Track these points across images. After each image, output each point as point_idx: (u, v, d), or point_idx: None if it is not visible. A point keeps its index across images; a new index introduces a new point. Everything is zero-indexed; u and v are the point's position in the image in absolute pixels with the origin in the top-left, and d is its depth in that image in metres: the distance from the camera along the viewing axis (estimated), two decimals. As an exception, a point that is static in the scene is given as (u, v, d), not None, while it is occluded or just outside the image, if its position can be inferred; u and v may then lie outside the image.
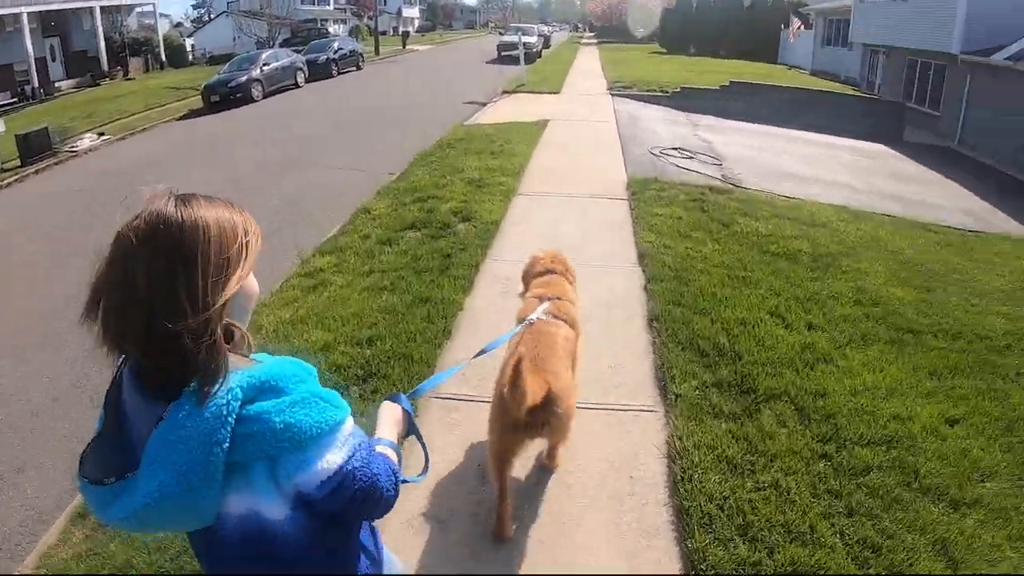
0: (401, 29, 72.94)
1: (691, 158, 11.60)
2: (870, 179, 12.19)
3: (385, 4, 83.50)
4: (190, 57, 50.29)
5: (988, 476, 3.80)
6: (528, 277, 3.84)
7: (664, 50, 40.93)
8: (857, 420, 4.22)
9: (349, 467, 1.36)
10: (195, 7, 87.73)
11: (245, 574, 1.40)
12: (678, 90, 19.02)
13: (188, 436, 1.22)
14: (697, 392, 4.39)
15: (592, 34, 73.68)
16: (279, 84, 25.67)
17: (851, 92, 19.77)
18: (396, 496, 1.50)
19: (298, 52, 31.91)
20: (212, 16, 63.53)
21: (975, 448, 4.03)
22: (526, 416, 2.84)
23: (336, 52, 31.44)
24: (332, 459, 1.34)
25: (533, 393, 2.80)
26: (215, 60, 44.81)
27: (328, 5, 70.91)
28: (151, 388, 1.30)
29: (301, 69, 27.72)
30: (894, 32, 23.95)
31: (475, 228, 7.35)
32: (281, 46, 45.40)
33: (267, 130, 16.98)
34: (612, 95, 19.01)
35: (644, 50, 41.52)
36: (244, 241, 1.34)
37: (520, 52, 23.06)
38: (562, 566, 3.18)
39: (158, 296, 1.22)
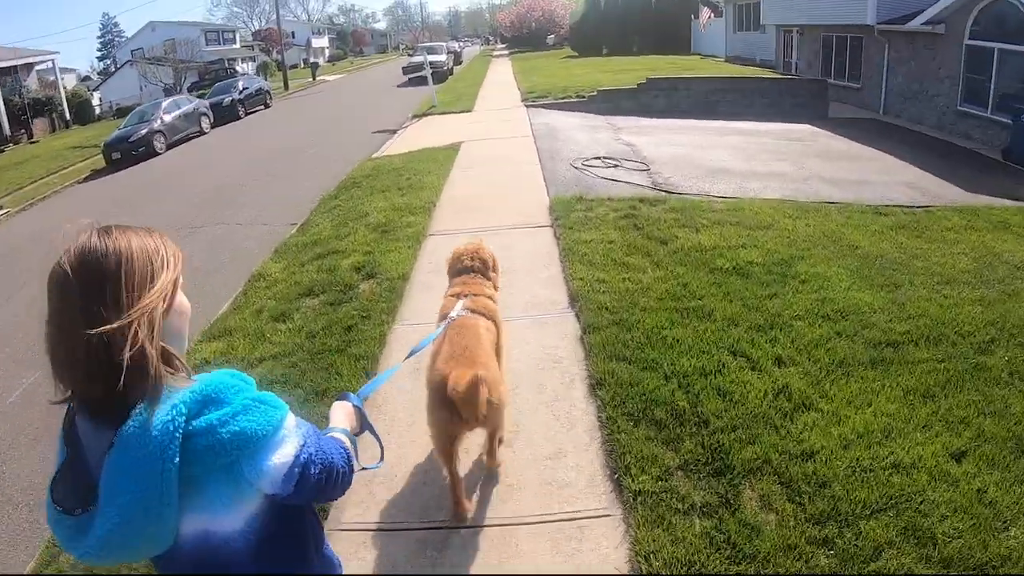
0: (311, 60, 71.80)
1: (616, 166, 10.82)
2: (804, 163, 11.59)
3: (293, 37, 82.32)
4: (97, 111, 48.64)
5: (1011, 520, 3.24)
6: (450, 273, 3.93)
7: (576, 54, 40.41)
8: (856, 483, 3.47)
9: (304, 455, 1.43)
10: (100, 59, 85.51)
11: None
12: (595, 93, 18.31)
13: (139, 457, 1.26)
14: (660, 483, 3.50)
15: (503, 45, 73.24)
16: (184, 133, 24.41)
17: (771, 75, 19.45)
18: (352, 474, 1.63)
19: (203, 96, 30.71)
20: (117, 67, 61.55)
21: (990, 486, 3.45)
22: (464, 407, 2.94)
23: (241, 92, 30.21)
24: (285, 452, 1.40)
25: (468, 385, 2.91)
26: (122, 112, 42.95)
27: (234, 44, 69.42)
28: (98, 415, 1.33)
29: (206, 114, 26.48)
30: (806, 11, 23.89)
31: (380, 287, 6.35)
32: (189, 90, 44.04)
33: (169, 187, 15.67)
34: (527, 107, 18.22)
35: (556, 56, 41.02)
36: (164, 259, 1.41)
37: (427, 72, 21.80)
38: None
39: (93, 323, 1.26)
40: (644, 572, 3.07)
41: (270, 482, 1.38)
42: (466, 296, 3.57)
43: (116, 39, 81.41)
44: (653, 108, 17.76)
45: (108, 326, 1.26)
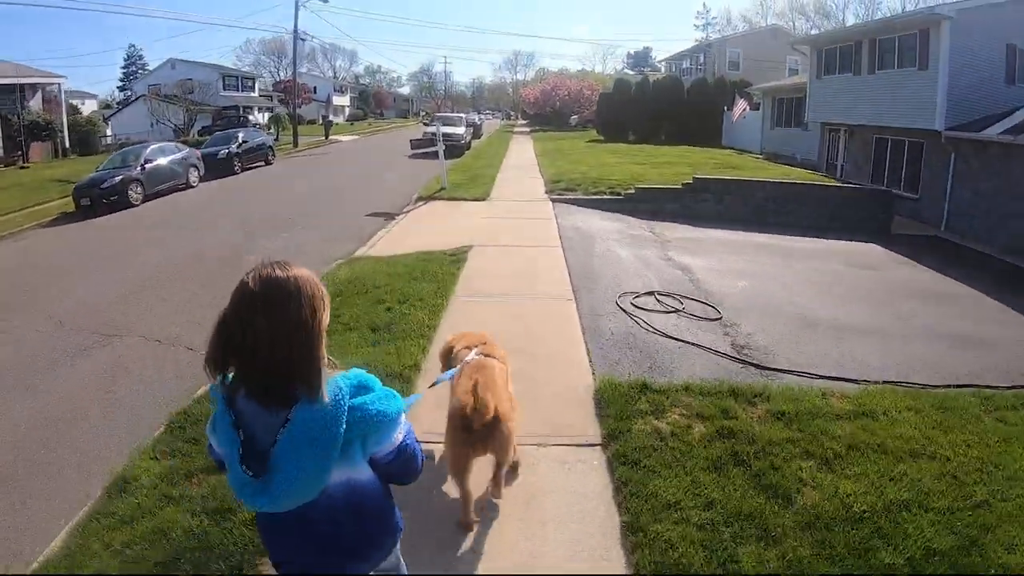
0: (325, 118, 70.29)
1: (678, 310, 7.98)
2: (897, 306, 9.06)
3: (315, 92, 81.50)
4: (106, 142, 46.71)
5: None
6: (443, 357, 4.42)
7: (602, 138, 38.27)
8: None
9: (407, 441, 2.06)
10: (120, 89, 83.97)
11: (351, 524, 2.05)
12: (632, 191, 15.65)
13: (320, 426, 1.82)
14: None
15: (525, 122, 71.95)
16: (167, 184, 21.90)
17: (829, 182, 16.85)
18: (421, 471, 2.20)
19: (199, 145, 28.46)
20: (133, 99, 60.04)
21: None
22: (479, 431, 3.45)
23: (240, 145, 27.77)
24: (397, 437, 2.01)
25: (486, 411, 3.41)
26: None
27: (253, 92, 68.17)
28: (271, 401, 1.85)
29: (195, 166, 23.98)
30: (859, 111, 21.96)
31: None
32: (200, 134, 41.96)
33: (115, 257, 12.89)
34: (553, 200, 15.51)
35: (581, 138, 38.85)
36: (323, 291, 1.95)
37: (440, 147, 18.76)
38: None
39: (280, 331, 1.81)
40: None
41: (383, 450, 2.00)
42: (477, 347, 4.03)
43: (139, 71, 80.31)
44: (700, 214, 15.14)
45: (314, 333, 1.86)
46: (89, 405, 6.43)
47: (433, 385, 3.61)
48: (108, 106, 68.69)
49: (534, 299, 8.26)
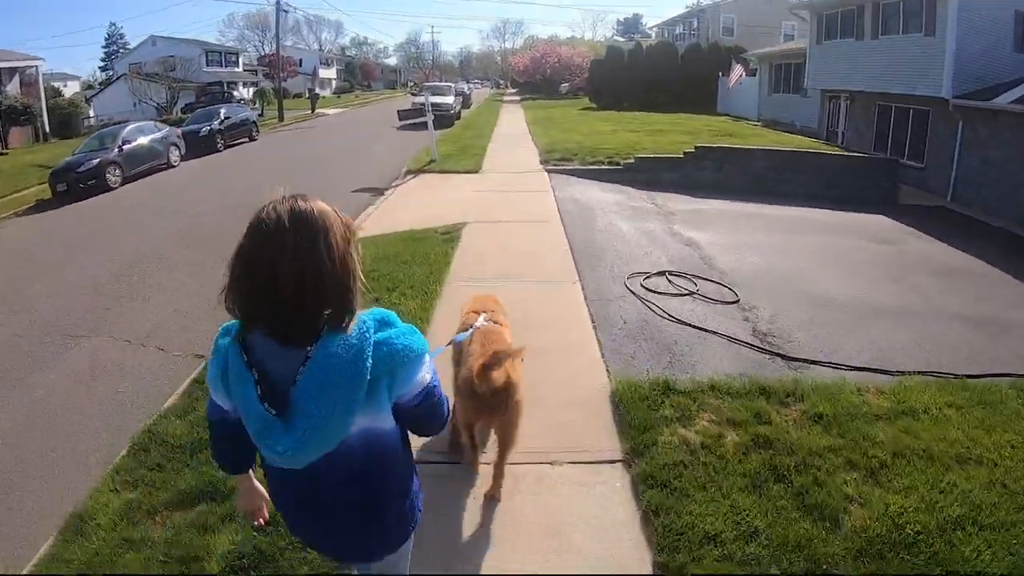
0: (312, 91, 68.92)
1: (692, 293, 7.36)
2: (918, 284, 8.53)
3: (300, 64, 79.99)
4: (89, 124, 45.74)
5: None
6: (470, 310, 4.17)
7: (595, 105, 37.37)
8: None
9: (432, 384, 1.91)
10: (102, 69, 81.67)
11: (371, 476, 1.91)
12: (631, 160, 14.98)
13: (344, 359, 1.69)
14: None
15: (515, 90, 70.69)
16: (147, 165, 21.11)
17: (832, 150, 16.18)
18: (448, 420, 2.14)
19: (182, 123, 27.62)
20: (114, 78, 58.65)
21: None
22: (488, 401, 3.41)
23: (223, 122, 26.88)
24: (425, 377, 1.87)
25: (498, 379, 3.35)
26: None
27: (237, 67, 66.76)
28: (290, 339, 1.71)
29: (176, 145, 23.14)
30: (860, 76, 21.31)
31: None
32: (183, 111, 40.94)
33: (89, 241, 12.26)
34: (548, 172, 14.78)
35: (573, 106, 37.96)
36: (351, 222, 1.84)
37: (428, 118, 17.48)
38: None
39: (317, 265, 1.66)
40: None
41: (410, 392, 1.85)
42: (485, 312, 3.96)
43: (121, 50, 78.26)
44: (700, 183, 14.54)
45: (348, 265, 1.72)
46: (55, 414, 5.81)
47: (451, 343, 3.62)
48: (91, 87, 67.04)
49: (536, 282, 7.58)
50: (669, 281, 7.69)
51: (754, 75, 33.60)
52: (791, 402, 4.80)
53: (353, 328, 1.72)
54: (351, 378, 1.68)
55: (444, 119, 29.07)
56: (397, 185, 14.23)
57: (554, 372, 5.26)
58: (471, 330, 3.68)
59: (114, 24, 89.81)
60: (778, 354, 5.87)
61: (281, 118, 40.04)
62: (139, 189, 18.63)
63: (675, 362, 5.59)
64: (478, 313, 3.97)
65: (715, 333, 6.26)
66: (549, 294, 7.20)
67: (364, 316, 1.77)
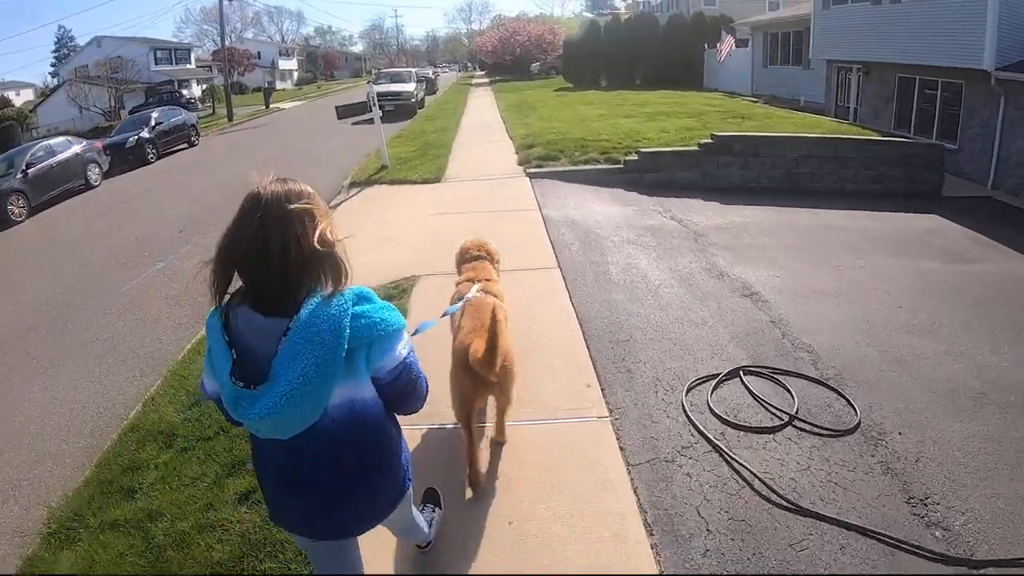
0: (270, 84, 65.42)
1: (792, 419, 4.30)
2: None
3: (259, 57, 76.53)
4: (36, 133, 42.43)
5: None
6: (459, 263, 4.32)
7: (571, 85, 34.06)
8: None
9: (410, 360, 2.00)
10: (53, 75, 76.17)
11: (355, 446, 1.98)
12: (633, 156, 11.86)
13: (322, 329, 1.76)
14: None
15: (483, 72, 67.14)
16: (59, 188, 18.01)
17: (872, 135, 13.08)
18: (426, 398, 2.16)
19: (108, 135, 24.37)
20: (59, 85, 54.71)
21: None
22: (482, 368, 3.30)
23: (154, 129, 23.51)
24: (401, 351, 1.95)
25: (494, 360, 3.26)
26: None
27: (188, 63, 62.92)
28: (273, 310, 1.80)
29: (95, 161, 19.90)
30: (877, 46, 18.50)
31: None
32: (131, 113, 37.40)
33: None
34: (530, 176, 11.66)
35: (547, 87, 34.54)
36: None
37: (375, 114, 13.49)
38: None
39: (301, 240, 1.78)
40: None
41: (385, 366, 1.94)
42: (478, 281, 3.93)
43: (71, 53, 73.40)
44: (722, 183, 11.61)
45: (331, 240, 1.85)
46: None
47: (444, 315, 3.43)
48: (44, 95, 62.67)
49: (534, 421, 4.33)
50: (748, 389, 4.69)
51: (745, 46, 30.57)
52: None
53: (333, 300, 1.81)
54: (328, 346, 1.76)
55: (404, 109, 25.90)
56: (335, 204, 11.00)
57: None
58: (461, 302, 3.65)
59: (63, 27, 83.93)
60: (959, 561, 2.94)
61: (230, 117, 36.54)
62: (45, 222, 15.55)
63: None
64: (472, 281, 3.94)
65: (863, 532, 3.29)
66: (560, 454, 4.01)
67: (344, 291, 1.85)
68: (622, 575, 3.09)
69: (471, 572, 3.15)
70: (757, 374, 4.91)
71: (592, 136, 13.84)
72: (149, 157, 22.73)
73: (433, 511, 3.22)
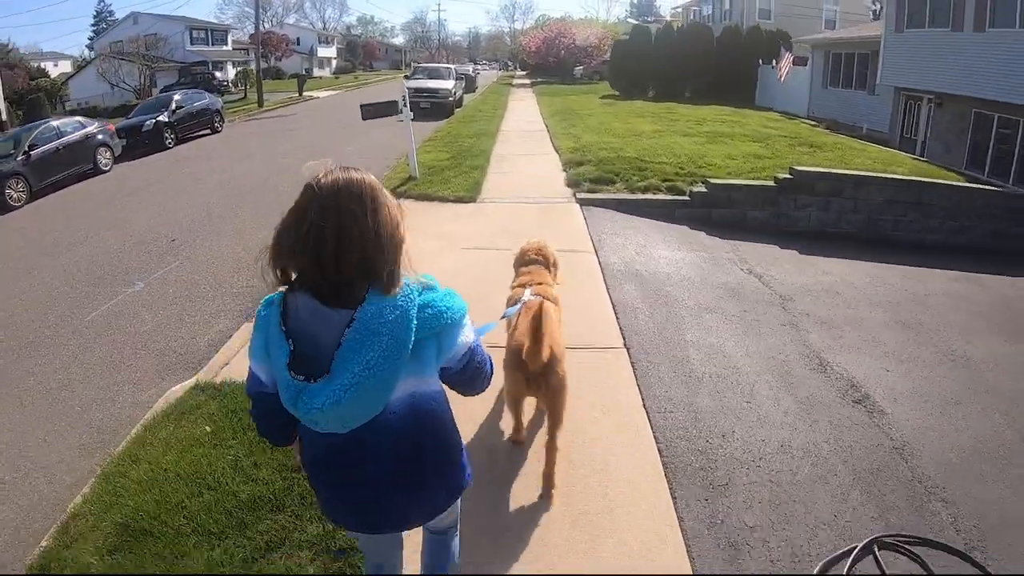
0: (307, 72, 64.53)
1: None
2: None
3: (298, 44, 75.66)
4: (68, 108, 42.04)
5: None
6: (517, 264, 4.40)
7: (617, 93, 32.36)
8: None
9: (476, 344, 1.98)
10: (90, 48, 75.37)
11: (416, 440, 1.92)
12: (702, 188, 10.22)
13: (388, 320, 1.71)
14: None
15: (524, 73, 65.51)
16: (64, 172, 16.73)
17: (964, 182, 11.21)
18: (491, 377, 2.13)
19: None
20: (93, 59, 54.04)
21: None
22: (533, 371, 3.35)
23: (174, 113, 22.18)
24: (468, 337, 1.93)
25: (542, 353, 3.25)
26: (91, 113, 36.55)
27: (225, 45, 61.99)
28: (337, 301, 1.75)
29: (107, 145, 18.60)
30: (953, 76, 17.06)
31: None
32: (162, 92, 36.44)
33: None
34: (581, 202, 10.06)
35: (592, 93, 32.88)
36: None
37: (405, 115, 11.77)
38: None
39: (356, 227, 1.73)
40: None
41: (454, 355, 1.91)
42: (532, 285, 3.98)
43: (108, 28, 72.63)
44: (799, 226, 10.17)
45: (391, 233, 1.78)
46: None
47: (503, 317, 3.44)
48: (80, 67, 62.03)
49: None
50: (881, 570, 3.29)
51: (803, 64, 28.69)
52: None
53: (399, 292, 1.77)
54: (396, 338, 1.71)
55: (441, 108, 24.30)
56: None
57: None
58: (519, 305, 3.60)
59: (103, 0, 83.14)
60: None
61: (260, 103, 35.29)
62: (48, 208, 14.26)
63: None
64: (524, 286, 3.99)
65: None
66: None
67: (408, 280, 1.81)
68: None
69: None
70: (894, 548, 3.45)
71: (650, 157, 12.24)
72: (167, 143, 21.46)
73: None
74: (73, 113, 40.87)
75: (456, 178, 11.66)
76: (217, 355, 5.92)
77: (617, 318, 5.90)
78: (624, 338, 5.55)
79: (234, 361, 5.60)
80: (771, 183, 10.21)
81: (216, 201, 12.45)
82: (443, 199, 10.40)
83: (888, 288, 7.76)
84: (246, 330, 6.40)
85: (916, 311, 7.11)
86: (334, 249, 1.69)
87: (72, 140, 17.39)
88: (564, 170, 12.14)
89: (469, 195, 10.59)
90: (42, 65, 57.23)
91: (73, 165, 17.13)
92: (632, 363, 5.13)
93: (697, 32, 33.61)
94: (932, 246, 10.08)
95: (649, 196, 10.21)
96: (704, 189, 10.14)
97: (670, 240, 8.65)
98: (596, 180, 10.93)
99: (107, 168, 18.22)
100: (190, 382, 5.27)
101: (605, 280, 6.81)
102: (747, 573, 3.18)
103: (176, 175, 16.28)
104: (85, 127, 18.31)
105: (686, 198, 10.10)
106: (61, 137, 17.12)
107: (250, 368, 1.93)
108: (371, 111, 11.22)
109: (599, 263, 7.34)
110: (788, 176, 10.20)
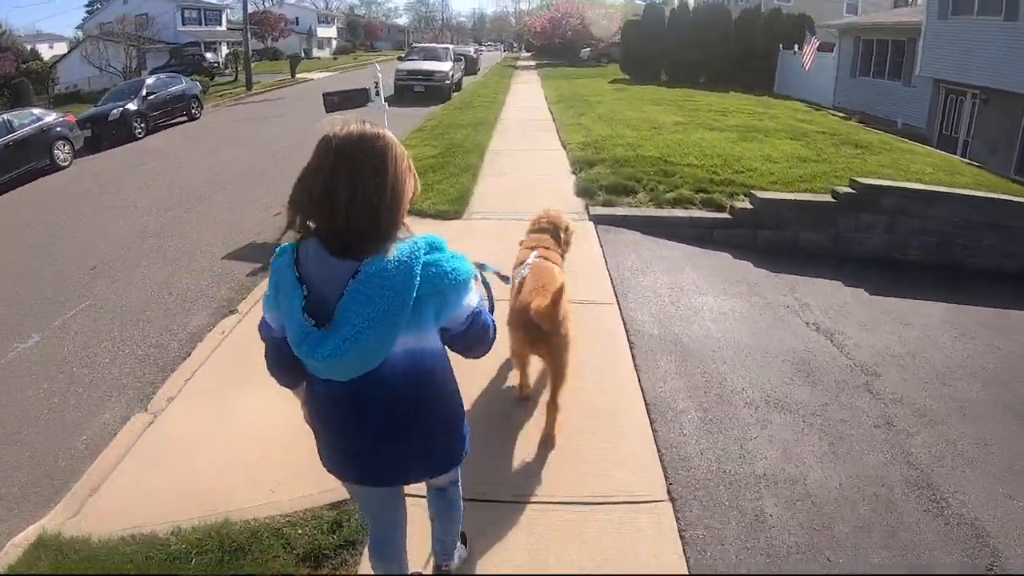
0: (304, 52, 62.52)
1: None
2: None
3: (297, 23, 73.71)
4: (57, 91, 42.27)
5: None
6: (529, 232, 4.40)
7: (627, 77, 30.26)
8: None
9: (479, 308, 1.96)
10: (78, 27, 72.97)
11: (414, 395, 1.94)
12: (746, 204, 8.30)
13: (392, 275, 1.73)
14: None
15: (529, 54, 63.22)
16: (17, 171, 15.15)
17: None
18: (495, 341, 2.10)
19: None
20: (82, 40, 52.15)
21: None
22: (537, 330, 3.44)
23: (145, 99, 20.28)
24: (472, 300, 1.92)
25: (545, 310, 3.35)
26: (73, 98, 36.64)
27: (219, 25, 59.99)
28: (346, 253, 1.76)
29: (65, 138, 16.86)
30: (1005, 70, 15.53)
31: None
32: (151, 74, 34.59)
33: None
34: (595, 221, 8.16)
35: (600, 76, 30.80)
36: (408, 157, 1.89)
37: (380, 105, 9.44)
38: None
39: (380, 185, 1.76)
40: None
41: (455, 317, 1.90)
42: (537, 249, 4.04)
43: (100, 7, 70.24)
44: (861, 250, 8.31)
45: (405, 192, 1.85)
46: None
47: (511, 280, 3.55)
48: (72, 49, 60.04)
49: None
50: None
51: (830, 51, 26.57)
52: None
53: (406, 247, 1.78)
54: (398, 292, 1.73)
55: (436, 92, 22.44)
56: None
57: None
58: (523, 268, 3.74)
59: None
60: None
61: (249, 86, 33.32)
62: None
63: None
64: (531, 249, 4.02)
65: None
66: None
67: (417, 238, 1.82)
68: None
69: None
70: None
71: (676, 157, 10.30)
72: (136, 132, 19.74)
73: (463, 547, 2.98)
74: (59, 98, 39.46)
75: (441, 182, 9.75)
76: (92, 467, 4.12)
77: (655, 435, 3.99)
78: (668, 481, 3.62)
79: (105, 486, 3.80)
80: (829, 198, 8.29)
81: (174, 203, 10.66)
82: (421, 213, 8.35)
83: (997, 357, 5.84)
84: (140, 422, 4.58)
85: (1017, 383, 5.27)
86: (347, 200, 1.72)
87: (25, 135, 15.82)
88: (573, 172, 10.25)
89: (454, 209, 8.66)
90: (36, 47, 55.27)
91: (27, 162, 15.59)
92: (681, 534, 3.23)
93: (714, 14, 31.49)
94: (1012, 276, 8.30)
95: (679, 212, 8.27)
96: (749, 205, 8.23)
97: (712, 278, 6.72)
98: (613, 189, 8.98)
99: (66, 164, 16.62)
100: (33, 531, 3.51)
101: (633, 355, 4.91)
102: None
103: (141, 170, 14.57)
104: (41, 119, 16.78)
105: (726, 215, 8.18)
106: (11, 132, 15.56)
107: (263, 315, 1.98)
108: (335, 102, 9.03)
109: (623, 322, 5.46)
110: (850, 190, 8.28)
